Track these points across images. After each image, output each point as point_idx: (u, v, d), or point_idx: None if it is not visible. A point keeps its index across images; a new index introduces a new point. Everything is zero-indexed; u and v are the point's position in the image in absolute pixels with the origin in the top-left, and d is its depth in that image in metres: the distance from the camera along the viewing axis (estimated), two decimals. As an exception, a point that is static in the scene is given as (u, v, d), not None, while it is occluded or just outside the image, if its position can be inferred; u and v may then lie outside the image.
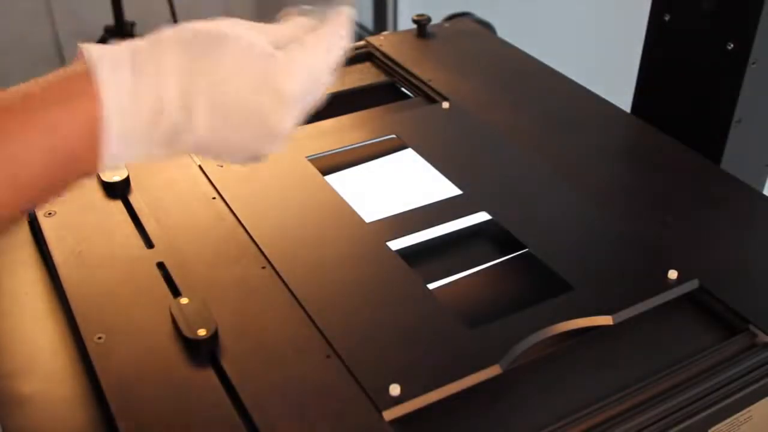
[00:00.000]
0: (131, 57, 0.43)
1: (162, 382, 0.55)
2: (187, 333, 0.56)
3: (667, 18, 0.85)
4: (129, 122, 0.43)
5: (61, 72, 0.43)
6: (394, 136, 0.82)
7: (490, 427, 0.53)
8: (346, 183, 0.76)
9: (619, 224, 0.70)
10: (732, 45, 0.79)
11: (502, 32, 1.15)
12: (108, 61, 0.42)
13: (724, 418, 0.55)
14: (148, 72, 0.43)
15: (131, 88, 0.42)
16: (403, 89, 0.95)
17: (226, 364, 0.55)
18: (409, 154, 0.80)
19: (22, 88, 0.42)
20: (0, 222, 0.42)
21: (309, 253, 0.65)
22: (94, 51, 0.43)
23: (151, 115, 0.43)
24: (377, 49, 1.00)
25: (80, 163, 0.43)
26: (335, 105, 0.83)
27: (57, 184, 0.43)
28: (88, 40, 0.49)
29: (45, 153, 0.41)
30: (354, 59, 0.99)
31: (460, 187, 0.74)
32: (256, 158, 0.49)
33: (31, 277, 0.65)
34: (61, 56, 2.36)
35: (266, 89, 0.46)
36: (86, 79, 0.42)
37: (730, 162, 0.83)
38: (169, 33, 0.45)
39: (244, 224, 0.68)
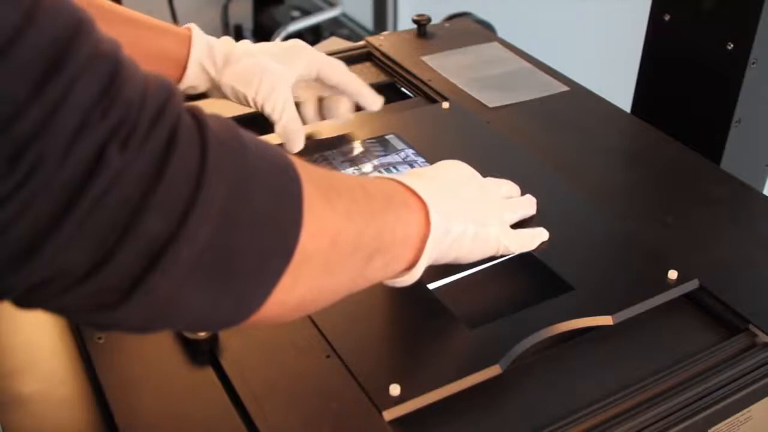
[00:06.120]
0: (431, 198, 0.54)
1: (162, 382, 0.55)
2: (187, 333, 0.56)
3: (667, 18, 0.85)
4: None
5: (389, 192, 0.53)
6: (393, 135, 0.82)
7: (490, 427, 0.53)
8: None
9: (619, 224, 0.70)
10: (732, 45, 0.79)
11: (502, 32, 1.15)
12: (433, 205, 0.53)
13: (724, 418, 0.55)
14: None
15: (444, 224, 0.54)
16: (403, 89, 0.95)
17: (226, 364, 0.55)
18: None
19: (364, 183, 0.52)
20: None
21: (309, 253, 0.65)
22: (422, 192, 0.53)
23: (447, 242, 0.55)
24: (377, 49, 1.00)
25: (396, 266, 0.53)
26: (335, 105, 0.82)
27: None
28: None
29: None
30: (354, 59, 0.99)
31: (460, 187, 0.74)
32: None
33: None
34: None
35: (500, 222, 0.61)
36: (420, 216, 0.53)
37: (730, 162, 0.83)
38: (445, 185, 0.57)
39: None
